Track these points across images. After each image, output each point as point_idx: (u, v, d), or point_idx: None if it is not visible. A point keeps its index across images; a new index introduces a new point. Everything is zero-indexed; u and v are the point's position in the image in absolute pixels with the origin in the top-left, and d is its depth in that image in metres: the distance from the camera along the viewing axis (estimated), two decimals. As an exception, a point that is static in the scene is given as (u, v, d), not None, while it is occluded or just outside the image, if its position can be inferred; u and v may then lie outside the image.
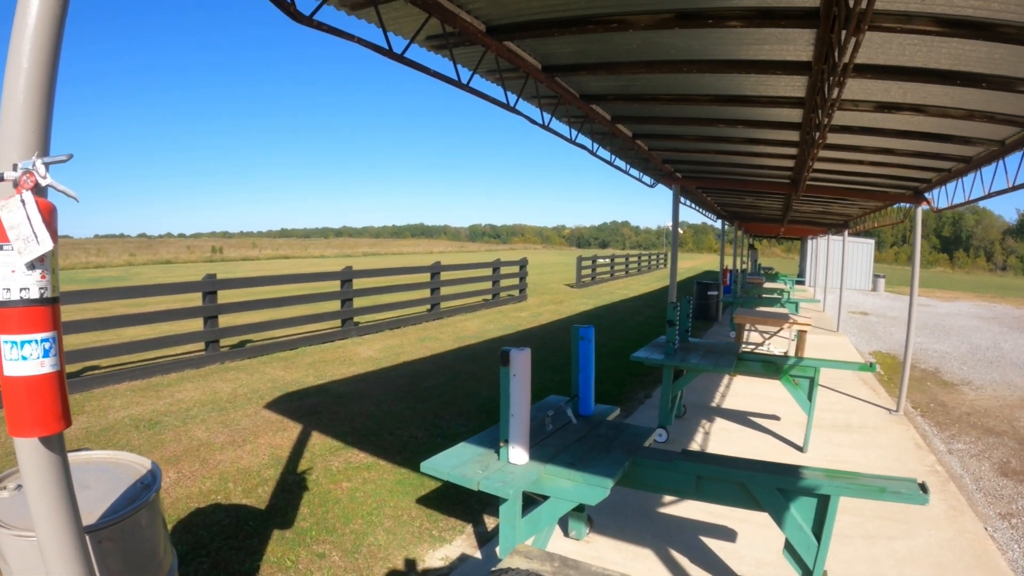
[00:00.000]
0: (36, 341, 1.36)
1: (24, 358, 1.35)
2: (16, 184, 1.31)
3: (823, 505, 2.89)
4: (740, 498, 3.07)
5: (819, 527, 2.91)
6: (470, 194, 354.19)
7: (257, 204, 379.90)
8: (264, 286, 10.37)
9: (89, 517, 1.99)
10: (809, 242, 26.26)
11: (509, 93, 4.60)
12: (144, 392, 7.17)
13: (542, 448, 3.30)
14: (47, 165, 1.35)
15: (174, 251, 42.10)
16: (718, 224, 17.05)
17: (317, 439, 5.73)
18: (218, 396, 7.08)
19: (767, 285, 17.35)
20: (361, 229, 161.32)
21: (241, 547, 3.75)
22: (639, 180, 8.21)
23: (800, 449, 5.80)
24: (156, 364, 8.11)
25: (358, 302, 11.99)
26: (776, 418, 6.81)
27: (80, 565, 1.54)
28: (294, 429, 5.98)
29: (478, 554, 3.83)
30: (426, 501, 4.51)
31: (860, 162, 6.09)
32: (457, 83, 3.96)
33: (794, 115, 4.62)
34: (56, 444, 1.46)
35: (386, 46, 3.30)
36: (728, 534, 4.09)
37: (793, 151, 5.87)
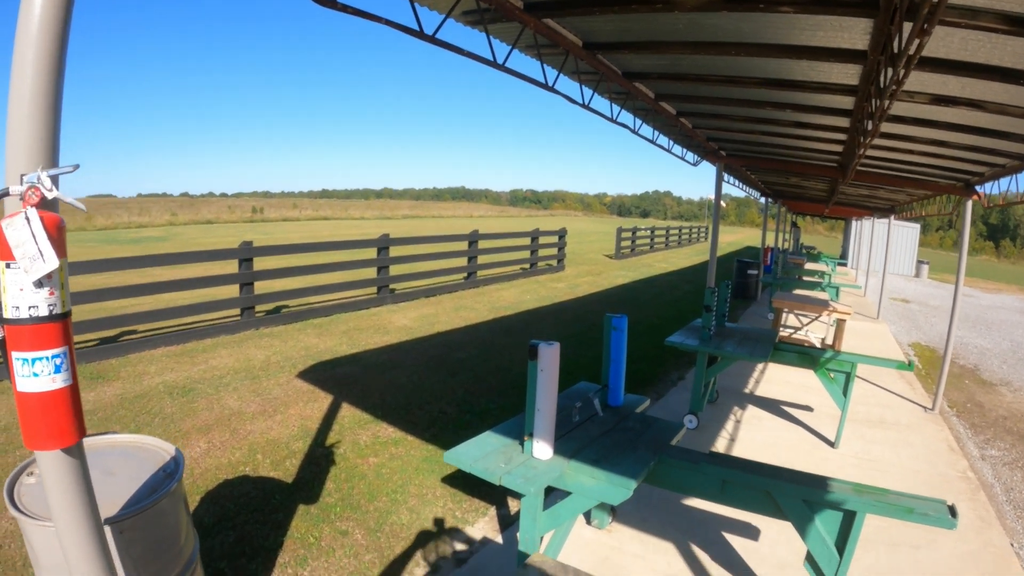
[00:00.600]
0: (47, 358, 1.35)
1: (36, 375, 1.33)
2: (22, 199, 1.28)
3: (848, 520, 2.78)
4: (765, 505, 2.99)
5: (843, 541, 2.80)
6: (513, 159, 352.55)
7: (299, 165, 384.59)
8: (300, 253, 10.48)
9: (111, 507, 2.02)
10: (854, 223, 25.40)
11: (548, 69, 4.43)
12: (179, 358, 7.34)
13: (567, 441, 3.25)
14: (54, 178, 1.31)
15: (215, 211, 42.72)
16: (762, 200, 16.56)
17: (347, 411, 5.80)
18: (252, 364, 7.21)
19: (808, 266, 16.85)
20: (402, 191, 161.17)
21: (266, 521, 3.83)
22: (682, 159, 7.95)
23: (831, 444, 5.65)
24: (192, 329, 8.28)
25: (394, 269, 12.04)
26: (809, 409, 6.65)
27: (99, 559, 1.55)
28: (324, 400, 6.06)
29: (499, 538, 3.84)
30: (451, 481, 4.53)
31: (911, 151, 5.77)
32: (492, 63, 3.82)
33: (846, 102, 4.37)
34: (75, 451, 1.46)
35: (416, 27, 3.18)
36: (751, 532, 4.02)
37: (842, 136, 5.58)
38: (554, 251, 18.37)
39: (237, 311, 9.01)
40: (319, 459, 4.76)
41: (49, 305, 1.34)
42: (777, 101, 4.80)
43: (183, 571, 2.23)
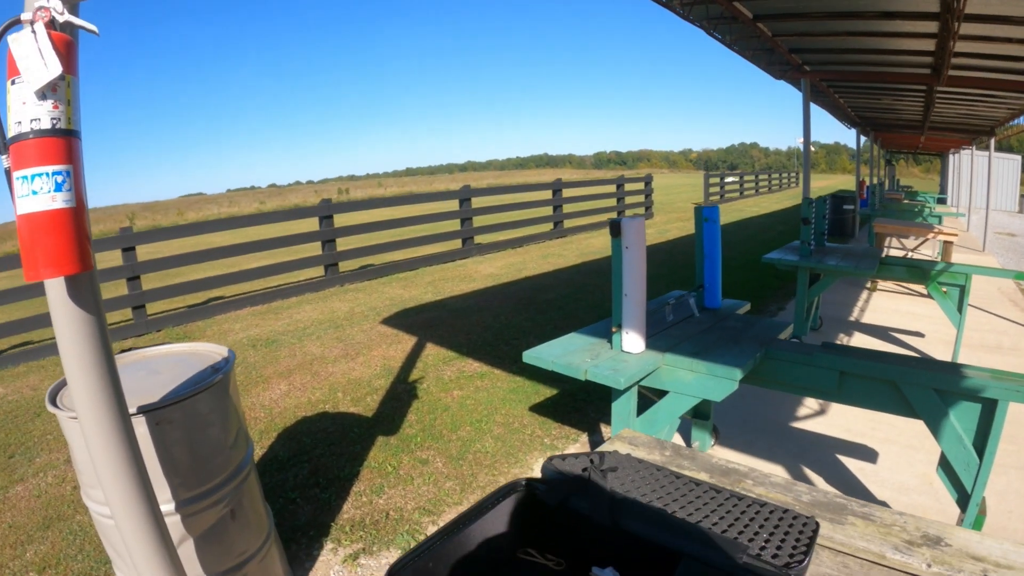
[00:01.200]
0: (47, 174, 1.19)
1: (34, 192, 1.19)
2: (32, 22, 1.18)
3: (988, 412, 2.33)
4: (890, 400, 2.56)
5: (982, 440, 2.35)
6: (594, 122, 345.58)
7: (382, 146, 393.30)
8: (381, 208, 10.45)
9: (149, 398, 1.90)
10: (951, 158, 23.24)
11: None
12: (264, 315, 7.48)
13: (661, 339, 2.93)
14: (69, 3, 1.22)
15: (302, 196, 44.18)
16: (852, 144, 15.27)
17: (431, 350, 5.69)
18: (335, 315, 7.26)
19: (907, 202, 15.53)
20: (485, 163, 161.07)
21: (343, 453, 3.73)
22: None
23: (948, 367, 5.08)
24: (277, 290, 8.44)
25: (478, 221, 11.90)
26: (920, 335, 6.01)
27: (123, 444, 1.39)
28: (408, 341, 5.99)
29: (591, 463, 3.60)
30: (539, 409, 4.32)
31: (1010, 40, 4.94)
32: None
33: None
34: (86, 286, 1.31)
35: None
36: (868, 454, 3.59)
37: (934, 28, 4.86)
38: (641, 198, 17.74)
39: (321, 270, 9.13)
40: (400, 394, 4.66)
41: (53, 119, 1.20)
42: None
43: (230, 478, 2.08)
